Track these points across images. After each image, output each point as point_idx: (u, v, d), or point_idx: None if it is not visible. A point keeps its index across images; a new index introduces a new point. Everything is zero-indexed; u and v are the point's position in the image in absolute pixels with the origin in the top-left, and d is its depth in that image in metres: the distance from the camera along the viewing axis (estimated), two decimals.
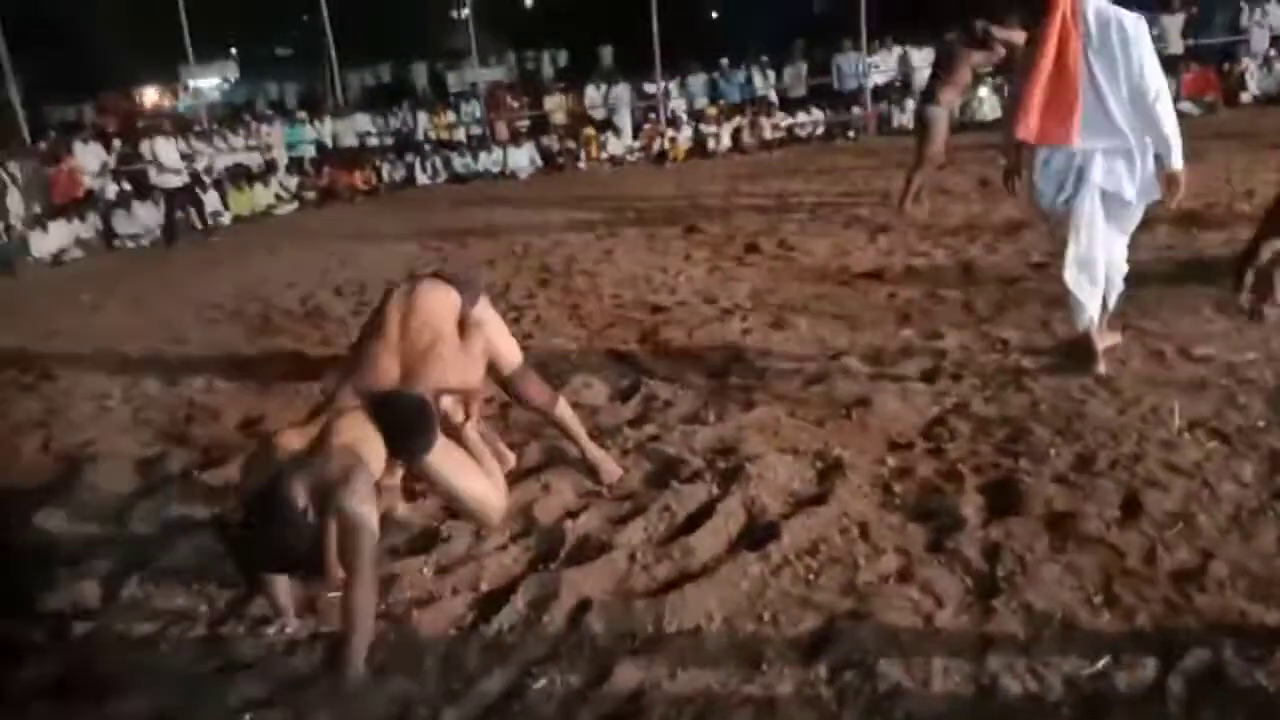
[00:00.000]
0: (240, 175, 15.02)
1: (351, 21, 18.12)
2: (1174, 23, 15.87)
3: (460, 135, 17.84)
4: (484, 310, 3.28)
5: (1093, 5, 3.71)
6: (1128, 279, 4.14)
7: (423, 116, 17.89)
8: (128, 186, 14.03)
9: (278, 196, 15.26)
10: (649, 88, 17.90)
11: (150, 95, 25.63)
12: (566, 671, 2.39)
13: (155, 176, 12.68)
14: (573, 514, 3.20)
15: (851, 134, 17.01)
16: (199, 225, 12.82)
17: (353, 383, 2.86)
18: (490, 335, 3.23)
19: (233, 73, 28.36)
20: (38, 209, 12.90)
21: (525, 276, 7.46)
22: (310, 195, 15.55)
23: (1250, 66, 15.88)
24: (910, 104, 15.16)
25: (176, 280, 9.48)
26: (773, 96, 17.79)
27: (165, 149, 12.73)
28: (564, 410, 3.51)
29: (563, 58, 23.97)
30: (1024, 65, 3.88)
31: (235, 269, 9.67)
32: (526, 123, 17.96)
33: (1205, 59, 16.23)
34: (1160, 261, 5.53)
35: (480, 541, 3.09)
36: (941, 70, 8.35)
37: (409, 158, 16.80)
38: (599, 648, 2.47)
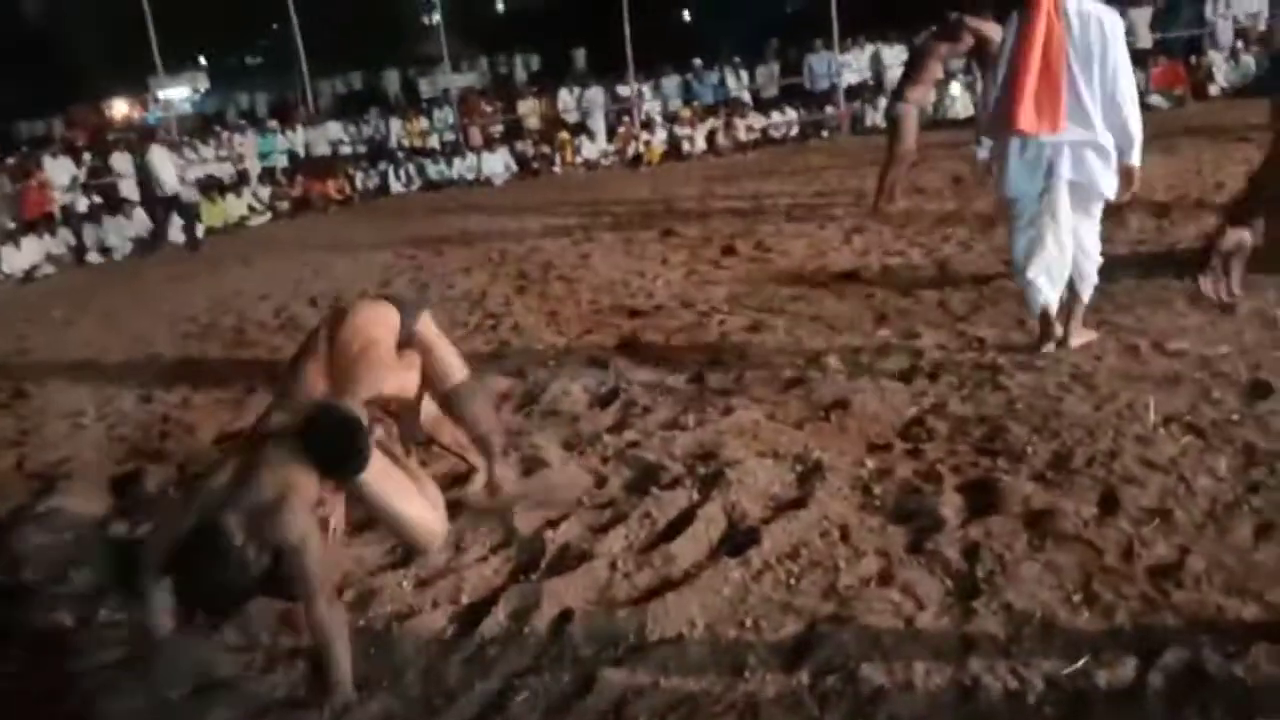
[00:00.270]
0: (212, 187, 14.92)
1: (322, 29, 18.05)
2: (1142, 16, 16.00)
3: (434, 142, 17.81)
4: (425, 327, 3.23)
5: (1074, 1, 3.81)
6: (1101, 272, 4.17)
7: (395, 124, 17.82)
8: (99, 200, 13.94)
9: (250, 208, 15.19)
10: (622, 90, 17.92)
11: (120, 107, 25.41)
12: (550, 682, 2.38)
13: (152, 183, 12.72)
14: (553, 523, 3.18)
15: (825, 134, 17.07)
16: (185, 237, 12.78)
17: (281, 405, 2.80)
18: (431, 349, 3.18)
19: (203, 83, 28.10)
20: (9, 225, 12.80)
21: (502, 283, 7.45)
22: (283, 206, 15.48)
23: (1217, 59, 16.03)
24: (883, 103, 15.24)
25: (149, 294, 9.41)
26: (746, 97, 17.85)
27: (160, 157, 12.73)
28: (497, 438, 3.40)
29: (535, 62, 23.92)
30: (1009, 59, 3.95)
31: (209, 281, 9.61)
32: (500, 128, 17.95)
33: (1173, 52, 16.38)
34: (1133, 255, 5.56)
35: (460, 554, 3.07)
36: (912, 69, 8.42)
37: (382, 166, 16.75)
38: (581, 657, 2.46)
